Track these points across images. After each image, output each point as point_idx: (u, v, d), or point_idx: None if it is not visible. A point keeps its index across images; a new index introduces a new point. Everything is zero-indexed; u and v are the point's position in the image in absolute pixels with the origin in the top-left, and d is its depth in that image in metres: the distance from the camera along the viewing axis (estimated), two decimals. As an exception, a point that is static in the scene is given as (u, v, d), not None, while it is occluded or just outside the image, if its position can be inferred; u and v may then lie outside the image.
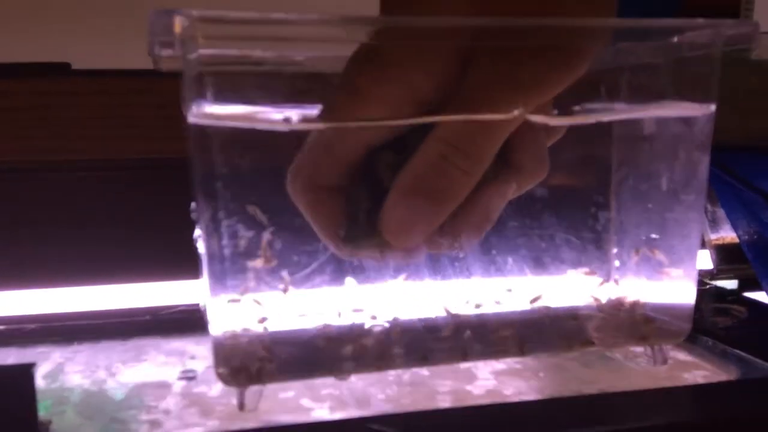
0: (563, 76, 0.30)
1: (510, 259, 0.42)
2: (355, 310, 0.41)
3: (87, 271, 0.55)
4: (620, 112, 0.44)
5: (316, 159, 0.33)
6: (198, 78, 0.35)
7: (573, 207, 0.45)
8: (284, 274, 0.38)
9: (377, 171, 0.33)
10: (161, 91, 0.56)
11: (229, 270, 0.37)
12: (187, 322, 0.50)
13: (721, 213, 0.65)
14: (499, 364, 0.45)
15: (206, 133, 0.35)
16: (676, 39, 0.39)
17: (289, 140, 0.36)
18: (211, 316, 0.37)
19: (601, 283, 0.45)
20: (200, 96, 0.35)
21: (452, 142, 0.30)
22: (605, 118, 0.43)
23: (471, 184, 0.31)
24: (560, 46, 0.30)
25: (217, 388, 0.42)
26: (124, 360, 0.47)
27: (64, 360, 0.47)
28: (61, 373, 0.45)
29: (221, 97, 0.35)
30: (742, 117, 0.63)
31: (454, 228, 0.33)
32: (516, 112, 0.30)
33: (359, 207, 0.33)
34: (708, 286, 0.64)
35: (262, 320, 0.38)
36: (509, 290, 0.43)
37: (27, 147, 0.55)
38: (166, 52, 0.38)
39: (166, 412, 0.39)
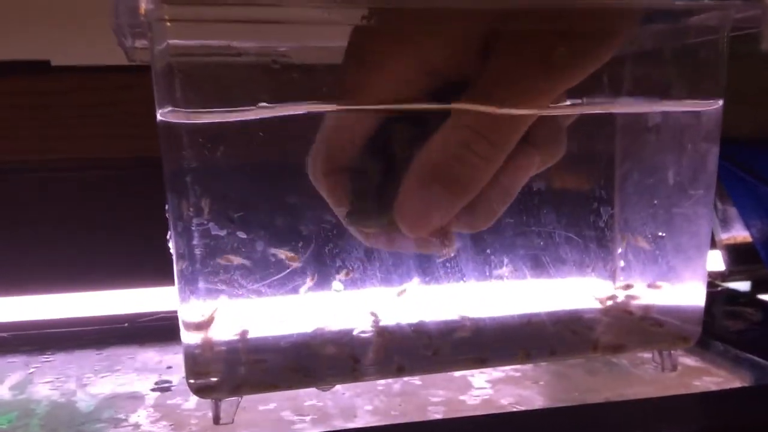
0: (591, 60, 0.29)
1: (506, 259, 0.39)
2: (341, 316, 0.38)
3: (63, 277, 0.52)
4: (628, 102, 0.41)
5: (330, 141, 0.31)
6: (167, 71, 0.32)
7: (574, 204, 0.42)
8: (261, 276, 0.35)
9: (391, 145, 0.31)
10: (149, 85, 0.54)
11: (200, 272, 0.34)
12: (167, 330, 0.47)
13: (732, 211, 0.62)
14: (497, 372, 0.42)
15: (175, 126, 0.33)
16: (683, 23, 0.36)
17: (265, 134, 0.34)
18: (181, 321, 0.34)
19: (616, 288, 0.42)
20: (170, 91, 0.32)
21: (476, 129, 0.28)
22: (618, 108, 0.41)
23: (492, 172, 0.29)
24: (588, 30, 0.29)
25: (192, 400, 0.39)
26: (96, 370, 0.44)
27: (34, 370, 0.44)
28: (30, 384, 0.42)
29: (193, 93, 0.33)
30: (753, 111, 0.60)
31: (468, 210, 0.31)
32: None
33: (368, 183, 0.31)
34: (719, 288, 0.61)
35: (238, 327, 0.36)
36: (506, 293, 0.40)
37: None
38: (138, 43, 0.36)
39: (136, 425, 0.36)
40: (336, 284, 0.38)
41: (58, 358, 0.47)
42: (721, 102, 0.38)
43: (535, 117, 0.29)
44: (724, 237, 0.63)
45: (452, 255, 0.37)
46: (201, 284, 0.34)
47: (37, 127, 0.54)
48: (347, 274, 0.37)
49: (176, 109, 0.32)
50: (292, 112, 0.33)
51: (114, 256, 0.53)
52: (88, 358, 0.46)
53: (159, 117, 0.32)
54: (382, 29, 0.29)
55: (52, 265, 0.52)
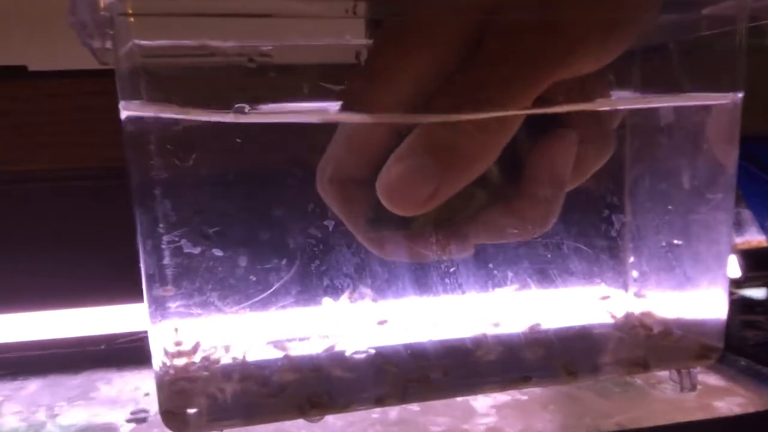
0: (594, 47, 0.26)
1: (510, 273, 0.36)
2: (329, 336, 0.35)
3: (36, 295, 0.49)
4: (644, 101, 0.38)
5: (341, 151, 0.29)
6: (133, 75, 0.29)
7: (583, 211, 0.39)
8: (240, 297, 0.32)
9: None
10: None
11: (172, 294, 0.31)
12: (147, 352, 0.44)
13: (747, 213, 0.59)
14: (502, 396, 0.39)
15: (143, 132, 0.30)
16: (697, 14, 0.34)
17: (244, 140, 0.31)
18: (152, 347, 0.31)
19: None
20: (135, 97, 0.29)
21: (477, 99, 0.26)
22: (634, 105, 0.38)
23: (492, 151, 0.26)
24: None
25: (170, 432, 0.36)
26: (70, 398, 0.41)
27: (3, 398, 0.41)
28: (-3, 414, 0.39)
29: (162, 97, 0.29)
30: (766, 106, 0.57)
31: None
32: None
33: None
34: (734, 296, 0.58)
35: (215, 352, 0.32)
36: (509, 309, 0.37)
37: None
38: (109, 44, 0.33)
39: (107, 462, 0.33)
40: (326, 301, 0.35)
41: (31, 384, 0.43)
42: (740, 100, 0.36)
43: (543, 87, 0.26)
44: (739, 241, 0.60)
45: (451, 271, 0.34)
46: (174, 306, 0.31)
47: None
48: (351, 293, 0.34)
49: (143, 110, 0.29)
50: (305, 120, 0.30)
51: (91, 272, 0.50)
52: (62, 384, 0.43)
53: (123, 115, 0.29)
54: (393, 40, 0.26)
55: (23, 283, 0.49)
